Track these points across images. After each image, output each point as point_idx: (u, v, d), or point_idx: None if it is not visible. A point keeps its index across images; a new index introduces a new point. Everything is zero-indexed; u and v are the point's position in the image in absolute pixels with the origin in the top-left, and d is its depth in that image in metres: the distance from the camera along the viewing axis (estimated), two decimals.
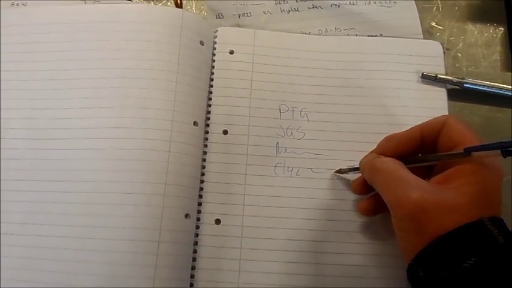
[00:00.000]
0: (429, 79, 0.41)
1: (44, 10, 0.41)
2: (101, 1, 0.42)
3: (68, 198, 0.35)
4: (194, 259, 0.35)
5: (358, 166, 0.35)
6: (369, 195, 0.35)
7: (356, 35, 0.44)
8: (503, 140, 0.27)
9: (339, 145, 0.39)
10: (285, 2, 0.45)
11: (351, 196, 0.37)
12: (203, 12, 0.44)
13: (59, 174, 0.36)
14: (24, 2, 0.41)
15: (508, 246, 0.25)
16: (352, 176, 0.37)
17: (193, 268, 0.35)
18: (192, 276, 0.35)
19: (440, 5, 0.46)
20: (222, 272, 0.35)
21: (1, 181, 0.36)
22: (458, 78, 0.41)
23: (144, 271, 0.33)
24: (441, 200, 0.27)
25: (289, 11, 0.44)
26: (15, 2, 0.42)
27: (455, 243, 0.26)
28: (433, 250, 0.27)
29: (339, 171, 0.38)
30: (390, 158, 0.32)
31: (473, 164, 0.29)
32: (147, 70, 0.37)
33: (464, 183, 0.28)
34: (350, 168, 0.37)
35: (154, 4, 0.44)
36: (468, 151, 0.29)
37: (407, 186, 0.28)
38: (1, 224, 0.35)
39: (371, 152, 0.35)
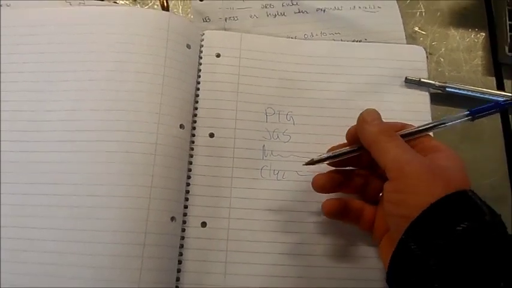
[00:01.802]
0: (412, 83, 0.42)
1: (29, 12, 0.41)
2: (86, 3, 0.42)
3: (52, 201, 0.35)
4: (180, 262, 0.35)
5: (327, 155, 0.35)
6: (333, 197, 0.35)
7: (341, 40, 0.44)
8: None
9: (324, 148, 0.39)
10: (272, 6, 0.45)
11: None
12: (190, 15, 0.44)
13: (43, 177, 0.35)
14: (8, 2, 0.41)
15: (490, 218, 0.27)
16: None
17: (179, 271, 0.35)
18: (178, 279, 0.35)
19: (423, 10, 0.46)
20: (208, 275, 0.35)
21: None
22: (441, 82, 0.42)
23: (129, 274, 0.33)
24: (438, 170, 0.29)
25: (276, 15, 0.45)
26: None
27: (445, 211, 0.27)
28: (423, 220, 0.27)
29: (310, 162, 0.35)
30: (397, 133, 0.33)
31: (449, 151, 0.31)
32: (133, 73, 0.37)
33: (450, 163, 0.30)
34: (322, 158, 0.35)
35: (141, 7, 0.44)
36: (472, 112, 0.33)
37: (414, 155, 0.30)
38: None
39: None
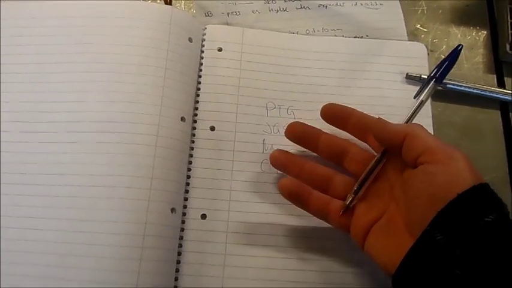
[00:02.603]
0: (413, 79, 0.42)
1: (30, 4, 0.41)
2: None
3: (53, 192, 0.35)
4: (179, 253, 0.35)
5: (359, 187, 0.34)
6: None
7: (343, 36, 0.44)
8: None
9: None
10: (274, 1, 0.45)
11: None
12: (192, 10, 0.45)
13: (44, 168, 0.36)
14: None
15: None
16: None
17: (178, 262, 0.35)
18: (177, 270, 0.35)
19: (425, 8, 0.47)
20: (207, 267, 0.35)
21: None
22: None
23: (129, 264, 0.33)
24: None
25: (278, 10, 0.45)
26: None
27: (473, 202, 0.27)
28: (450, 211, 0.27)
29: (347, 207, 0.34)
30: None
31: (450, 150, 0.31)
32: (135, 65, 0.38)
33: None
34: (356, 192, 0.34)
35: (144, 1, 0.44)
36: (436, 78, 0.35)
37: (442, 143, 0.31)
38: None
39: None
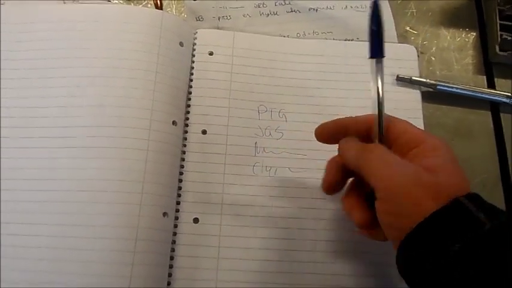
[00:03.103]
0: (404, 81, 0.42)
1: (23, 9, 0.41)
2: (80, 1, 0.42)
3: (44, 197, 0.35)
4: (172, 258, 0.35)
5: None
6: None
7: (333, 39, 0.44)
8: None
9: (317, 145, 0.39)
10: (265, 5, 0.45)
11: (328, 195, 0.38)
12: (183, 14, 0.45)
13: (35, 173, 0.35)
14: (2, 1, 0.41)
15: (490, 226, 0.24)
16: None
17: (171, 267, 0.35)
18: (170, 275, 0.35)
19: (414, 10, 0.47)
20: (200, 271, 0.35)
21: None
22: (432, 80, 0.42)
23: (121, 269, 0.33)
24: (425, 179, 0.27)
25: (269, 14, 0.45)
26: None
27: (435, 231, 0.25)
28: (411, 244, 0.26)
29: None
30: (376, 144, 0.30)
31: (432, 140, 0.29)
32: (126, 69, 0.38)
33: (437, 159, 0.28)
34: None
35: (134, 5, 0.44)
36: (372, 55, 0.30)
37: (398, 167, 0.28)
38: None
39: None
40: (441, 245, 0.25)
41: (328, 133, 0.34)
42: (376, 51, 0.30)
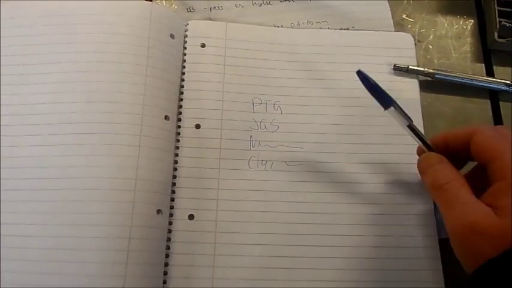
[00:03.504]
0: (401, 70, 0.41)
1: (8, 4, 0.40)
2: None
3: (34, 196, 0.34)
4: (167, 255, 0.34)
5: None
6: None
7: (328, 28, 0.43)
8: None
9: (313, 137, 0.39)
10: None
11: (324, 188, 0.37)
12: (173, 5, 0.44)
13: (24, 172, 0.35)
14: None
15: None
16: None
17: (166, 265, 0.34)
18: (165, 273, 0.34)
19: None
20: (196, 268, 0.34)
21: None
22: (429, 69, 0.41)
23: (115, 268, 0.32)
24: (489, 225, 0.27)
25: (261, 4, 0.44)
26: None
27: (498, 271, 0.26)
28: (478, 276, 0.27)
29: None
30: (453, 174, 0.31)
31: None
32: (116, 63, 0.37)
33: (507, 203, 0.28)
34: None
35: None
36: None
37: (463, 208, 0.28)
38: None
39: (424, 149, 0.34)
40: None
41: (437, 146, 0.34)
42: (385, 102, 0.32)
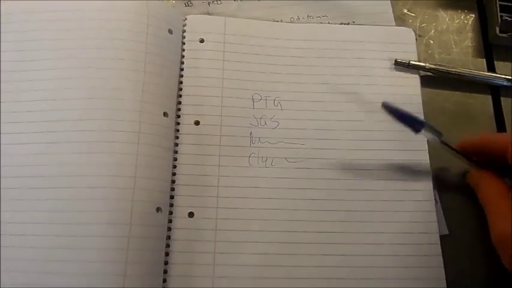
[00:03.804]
0: (402, 66, 0.41)
1: (6, 1, 0.39)
2: None
3: (32, 195, 0.33)
4: (167, 254, 0.34)
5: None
6: None
7: (328, 23, 0.43)
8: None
9: (313, 133, 0.38)
10: None
11: (325, 185, 0.37)
12: (171, 0, 0.43)
13: (22, 170, 0.34)
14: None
15: None
16: None
17: (166, 263, 0.34)
18: (165, 272, 0.34)
19: None
20: (196, 266, 0.34)
21: None
22: (430, 64, 0.41)
23: (114, 267, 0.31)
24: None
25: None
26: None
27: None
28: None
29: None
30: (498, 188, 0.33)
31: None
32: (113, 60, 0.36)
33: None
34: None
35: None
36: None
37: (498, 217, 0.32)
38: None
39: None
40: None
41: (471, 148, 0.35)
42: (416, 127, 0.32)
